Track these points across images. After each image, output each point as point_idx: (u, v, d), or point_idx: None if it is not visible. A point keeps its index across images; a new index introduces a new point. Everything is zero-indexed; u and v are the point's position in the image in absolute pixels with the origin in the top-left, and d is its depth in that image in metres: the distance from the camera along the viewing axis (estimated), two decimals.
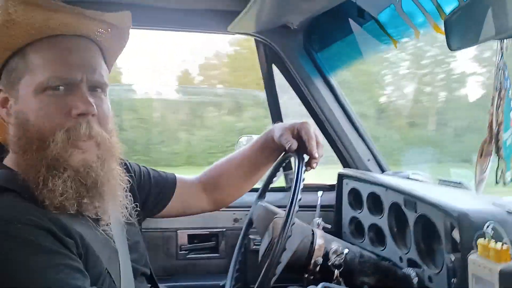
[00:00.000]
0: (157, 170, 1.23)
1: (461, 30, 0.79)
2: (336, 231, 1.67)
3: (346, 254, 1.18)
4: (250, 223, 1.31)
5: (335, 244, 1.21)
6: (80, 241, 0.79)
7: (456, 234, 1.02)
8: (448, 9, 0.92)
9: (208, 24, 1.48)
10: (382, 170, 1.74)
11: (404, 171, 1.64)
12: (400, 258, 1.32)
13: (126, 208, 0.93)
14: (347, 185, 1.65)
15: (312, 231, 1.22)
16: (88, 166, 0.82)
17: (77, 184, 0.80)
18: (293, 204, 1.00)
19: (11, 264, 0.68)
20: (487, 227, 0.80)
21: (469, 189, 1.35)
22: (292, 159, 1.22)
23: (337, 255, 1.18)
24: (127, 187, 0.94)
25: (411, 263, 1.26)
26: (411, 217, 1.24)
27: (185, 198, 1.24)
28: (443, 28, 0.88)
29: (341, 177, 1.69)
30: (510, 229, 0.80)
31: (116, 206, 0.90)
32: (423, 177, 1.55)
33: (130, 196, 0.95)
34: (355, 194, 1.61)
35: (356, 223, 1.61)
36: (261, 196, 1.31)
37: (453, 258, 0.90)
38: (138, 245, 1.02)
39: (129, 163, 1.13)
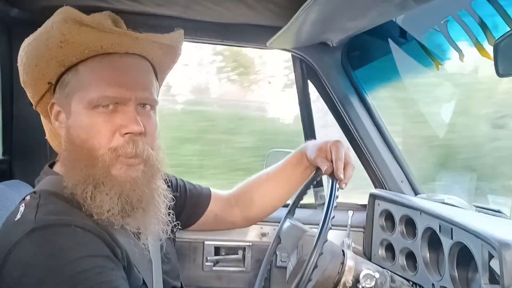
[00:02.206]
0: (193, 184, 1.24)
1: (511, 56, 0.77)
2: (366, 252, 1.64)
3: (377, 278, 1.15)
4: (278, 240, 1.30)
5: (366, 267, 1.18)
6: (124, 252, 0.81)
7: (495, 265, 0.98)
8: (497, 33, 0.90)
9: (248, 39, 1.49)
10: (416, 193, 1.69)
11: (438, 195, 1.60)
12: (433, 285, 1.28)
13: (168, 224, 0.93)
14: (379, 206, 1.61)
15: (343, 251, 1.20)
16: (134, 184, 0.83)
17: (122, 201, 0.82)
18: (326, 222, 0.99)
19: (66, 263, 0.70)
20: None
21: (508, 217, 1.31)
22: (324, 178, 1.22)
23: (368, 278, 1.15)
24: (170, 204, 0.95)
25: None
26: (446, 243, 1.20)
27: (218, 213, 1.25)
28: (490, 53, 0.86)
29: (373, 197, 1.65)
30: None
31: (158, 222, 0.91)
32: (459, 202, 1.51)
33: (172, 214, 0.95)
34: (387, 216, 1.58)
35: (386, 246, 1.57)
36: (290, 213, 1.30)
37: None
38: (171, 258, 1.03)
39: (167, 175, 1.15)
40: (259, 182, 1.29)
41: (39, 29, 0.82)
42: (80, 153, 0.82)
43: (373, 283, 1.14)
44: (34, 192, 0.85)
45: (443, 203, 1.50)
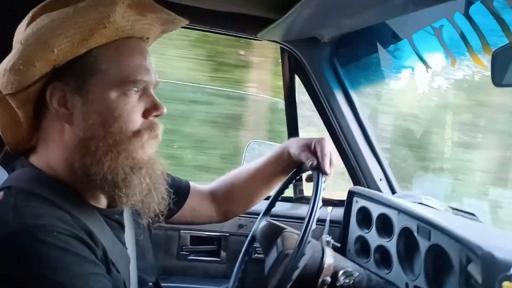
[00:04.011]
0: (172, 175, 1.21)
1: (508, 67, 0.78)
2: (341, 248, 1.65)
3: (356, 276, 1.17)
4: (253, 240, 1.30)
5: (345, 265, 1.19)
6: (104, 250, 0.78)
7: (473, 270, 1.00)
8: (492, 42, 0.90)
9: (239, 28, 1.46)
10: (393, 192, 1.72)
11: (415, 195, 1.63)
12: (406, 285, 1.31)
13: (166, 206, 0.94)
14: (357, 203, 1.63)
15: (322, 248, 1.20)
16: (154, 163, 0.86)
17: (147, 180, 0.83)
18: (311, 222, 0.99)
19: (47, 270, 0.67)
20: None
21: (482, 221, 1.34)
22: (305, 175, 1.22)
23: (347, 277, 1.16)
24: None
25: None
26: (423, 244, 1.23)
27: (196, 207, 1.23)
28: (484, 61, 0.86)
29: (351, 194, 1.67)
30: None
31: (160, 203, 0.91)
32: (435, 203, 1.54)
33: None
34: (364, 213, 1.59)
35: (362, 243, 1.59)
36: (267, 213, 1.30)
37: None
38: (147, 253, 1.00)
39: None
40: (239, 178, 1.28)
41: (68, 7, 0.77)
42: (105, 137, 0.79)
43: (351, 282, 1.16)
44: (8, 188, 0.77)
45: (420, 203, 1.53)
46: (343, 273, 1.16)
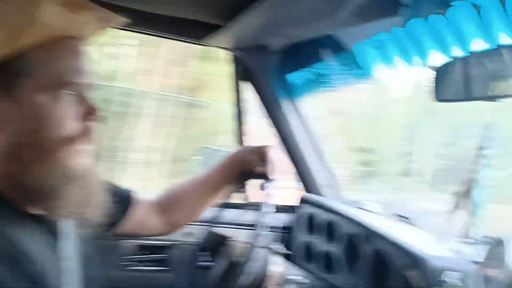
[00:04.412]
0: (114, 184, 1.14)
1: (451, 83, 0.81)
2: (290, 255, 1.67)
3: (305, 284, 1.18)
4: (200, 248, 1.29)
5: (294, 273, 1.20)
6: (28, 258, 0.73)
7: (411, 275, 1.04)
8: (434, 59, 0.94)
9: (186, 33, 1.44)
10: (339, 198, 1.76)
11: (358, 200, 1.68)
12: None
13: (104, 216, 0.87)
14: (305, 210, 1.66)
15: (270, 256, 1.21)
16: (90, 171, 0.80)
17: (82, 190, 0.78)
18: (259, 229, 0.99)
19: None
20: (447, 276, 0.82)
21: (416, 225, 1.40)
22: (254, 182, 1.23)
23: (295, 284, 1.18)
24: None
25: None
26: (365, 250, 1.27)
27: (139, 218, 1.18)
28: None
29: (300, 200, 1.69)
30: (470, 280, 0.83)
31: (99, 212, 0.85)
32: (376, 208, 1.59)
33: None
34: (311, 220, 1.62)
35: (309, 248, 1.62)
36: (214, 221, 1.29)
37: None
38: (90, 264, 0.96)
39: None
40: (187, 188, 1.25)
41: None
42: (36, 146, 0.74)
43: None
44: None
45: (363, 209, 1.58)
46: (292, 281, 1.17)
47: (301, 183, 1.76)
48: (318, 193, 1.74)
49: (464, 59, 0.83)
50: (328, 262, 1.51)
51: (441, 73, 0.86)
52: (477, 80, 0.73)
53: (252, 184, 1.26)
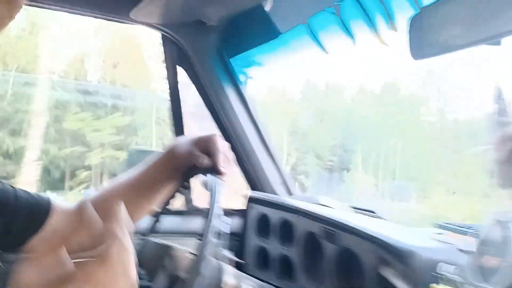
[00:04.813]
0: (28, 191, 0.95)
1: (425, 38, 0.68)
2: (239, 262, 1.47)
3: None
4: (136, 265, 1.05)
5: (248, 283, 1.01)
6: None
7: (388, 273, 0.90)
8: (400, 18, 0.81)
9: (108, 8, 1.19)
10: (290, 194, 1.60)
11: (312, 195, 1.53)
12: None
13: None
14: (255, 210, 1.47)
15: (220, 266, 1.01)
16: None
17: None
18: (207, 237, 0.79)
19: None
20: (441, 269, 0.68)
21: (383, 218, 1.28)
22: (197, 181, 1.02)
23: None
24: None
25: None
26: (329, 249, 1.11)
27: (60, 228, 0.96)
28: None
29: (248, 201, 1.51)
30: (468, 272, 0.69)
31: None
32: (334, 203, 1.45)
33: None
34: (263, 221, 1.44)
35: (262, 253, 1.43)
36: (151, 230, 1.06)
37: None
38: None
39: None
40: (117, 192, 1.03)
41: None
42: None
43: None
44: None
45: (319, 204, 1.42)
46: None
47: (248, 181, 1.57)
48: (267, 191, 1.56)
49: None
50: (287, 268, 1.33)
51: (414, 29, 0.72)
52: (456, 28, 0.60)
53: (196, 182, 1.05)
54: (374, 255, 0.92)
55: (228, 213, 1.45)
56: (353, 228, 1.00)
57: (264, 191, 1.56)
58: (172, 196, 1.07)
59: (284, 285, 1.28)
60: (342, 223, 1.05)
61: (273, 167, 1.58)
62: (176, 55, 1.37)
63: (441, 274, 0.68)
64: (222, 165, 0.91)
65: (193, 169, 0.99)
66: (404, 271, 0.75)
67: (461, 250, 0.76)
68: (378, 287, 0.93)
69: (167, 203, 1.07)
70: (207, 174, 0.92)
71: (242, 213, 1.51)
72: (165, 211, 1.08)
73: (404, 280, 0.75)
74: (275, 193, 1.56)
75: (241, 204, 1.54)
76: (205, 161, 0.91)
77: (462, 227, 0.86)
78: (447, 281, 0.66)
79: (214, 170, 0.91)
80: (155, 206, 1.09)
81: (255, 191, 1.55)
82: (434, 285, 0.68)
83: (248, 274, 1.08)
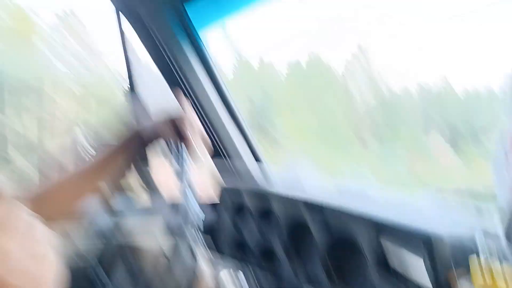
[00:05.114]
0: None
1: None
2: (216, 253, 1.31)
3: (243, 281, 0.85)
4: (94, 266, 0.87)
5: (227, 271, 0.86)
6: None
7: (399, 257, 0.77)
8: None
9: None
10: (268, 176, 1.43)
11: (292, 172, 1.37)
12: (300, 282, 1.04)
13: None
14: (230, 197, 1.31)
15: (194, 255, 0.85)
16: None
17: None
18: (179, 231, 0.63)
19: None
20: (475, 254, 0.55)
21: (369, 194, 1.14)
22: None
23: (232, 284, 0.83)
24: None
25: None
26: (319, 233, 0.97)
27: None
28: None
29: (223, 191, 1.34)
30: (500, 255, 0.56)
31: None
32: (317, 179, 1.29)
33: None
34: (240, 208, 1.27)
35: (240, 243, 1.27)
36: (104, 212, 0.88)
37: None
38: None
39: None
40: (70, 178, 0.86)
41: None
42: None
43: None
44: None
45: (300, 183, 1.26)
46: (227, 281, 0.83)
47: (219, 167, 1.40)
48: (232, 162, 1.40)
49: None
50: (265, 256, 1.19)
51: None
52: None
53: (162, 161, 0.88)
54: (373, 238, 0.80)
55: (201, 203, 1.28)
56: (344, 209, 0.87)
57: (229, 157, 1.39)
58: (124, 174, 0.89)
59: (266, 274, 1.14)
60: (331, 204, 0.93)
61: (246, 146, 1.41)
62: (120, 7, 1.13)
63: (476, 259, 0.55)
64: (191, 139, 0.76)
65: (154, 142, 0.82)
66: (432, 257, 0.61)
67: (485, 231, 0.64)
68: (380, 270, 0.82)
69: (119, 181, 0.90)
70: (173, 146, 0.77)
71: (215, 204, 1.35)
72: (129, 203, 0.91)
73: (431, 268, 0.62)
74: (253, 176, 1.39)
75: (214, 194, 1.37)
76: (174, 136, 0.78)
77: None
78: (489, 252, 0.53)
79: (182, 143, 0.77)
80: (107, 183, 0.91)
81: (228, 178, 1.38)
82: (473, 257, 0.54)
83: (228, 265, 0.94)
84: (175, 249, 0.61)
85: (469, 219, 0.67)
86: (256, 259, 1.18)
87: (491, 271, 0.50)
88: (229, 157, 1.40)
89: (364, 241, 0.83)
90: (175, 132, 0.78)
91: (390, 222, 0.76)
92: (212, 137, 1.37)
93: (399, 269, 0.74)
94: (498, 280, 0.49)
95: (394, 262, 0.77)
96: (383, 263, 0.79)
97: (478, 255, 0.55)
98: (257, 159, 1.43)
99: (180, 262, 0.82)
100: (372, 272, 0.82)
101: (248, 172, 1.38)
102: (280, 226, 1.09)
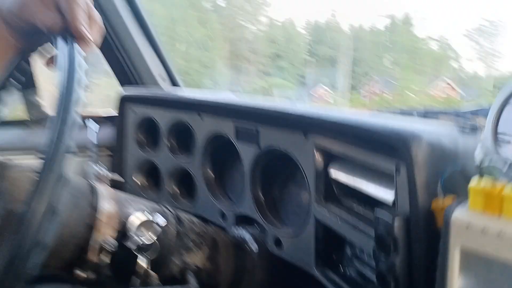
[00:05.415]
0: None
1: None
2: (116, 182, 1.10)
3: (161, 225, 0.66)
4: None
5: (137, 208, 0.66)
6: None
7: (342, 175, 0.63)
8: None
9: None
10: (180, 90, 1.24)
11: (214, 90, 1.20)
12: (223, 215, 0.89)
13: None
14: (135, 114, 1.09)
15: (92, 187, 0.64)
16: None
17: None
18: (62, 142, 0.42)
19: None
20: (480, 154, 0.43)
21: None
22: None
23: (146, 229, 0.64)
24: None
25: (243, 221, 0.85)
26: (248, 153, 0.81)
27: None
28: None
29: (125, 101, 1.11)
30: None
31: None
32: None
33: None
34: (148, 126, 1.07)
35: (148, 169, 1.08)
36: None
37: (382, 215, 0.49)
38: None
39: None
40: None
41: None
42: None
43: (155, 236, 0.65)
44: None
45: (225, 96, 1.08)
46: (139, 225, 0.64)
47: (116, 74, 1.16)
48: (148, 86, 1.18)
49: None
50: (180, 184, 1.02)
51: None
52: None
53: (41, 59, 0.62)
54: (319, 155, 0.65)
55: (96, 119, 1.03)
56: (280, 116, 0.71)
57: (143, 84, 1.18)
58: (1, 86, 0.64)
59: (183, 207, 0.97)
60: (268, 115, 0.76)
61: (157, 60, 1.19)
62: None
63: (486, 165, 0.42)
64: (84, 26, 0.52)
65: (34, 36, 0.57)
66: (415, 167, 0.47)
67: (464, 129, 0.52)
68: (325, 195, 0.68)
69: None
70: (58, 41, 0.52)
71: (114, 119, 1.11)
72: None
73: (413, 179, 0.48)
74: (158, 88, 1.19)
75: (112, 108, 1.13)
76: (53, 19, 0.50)
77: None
78: (492, 170, 0.41)
79: (69, 33, 0.51)
80: None
81: (131, 88, 1.15)
82: (477, 177, 0.41)
83: (139, 198, 0.74)
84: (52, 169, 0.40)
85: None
86: (169, 188, 1.01)
87: (496, 191, 0.37)
88: (143, 83, 1.18)
89: (301, 153, 0.68)
90: (51, 3, 0.53)
91: (341, 119, 0.62)
92: (125, 63, 1.13)
93: (360, 186, 0.60)
94: (506, 204, 0.37)
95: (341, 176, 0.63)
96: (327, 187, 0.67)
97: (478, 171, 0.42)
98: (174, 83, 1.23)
99: (71, 189, 0.61)
100: (313, 200, 0.68)
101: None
102: (198, 145, 0.92)
